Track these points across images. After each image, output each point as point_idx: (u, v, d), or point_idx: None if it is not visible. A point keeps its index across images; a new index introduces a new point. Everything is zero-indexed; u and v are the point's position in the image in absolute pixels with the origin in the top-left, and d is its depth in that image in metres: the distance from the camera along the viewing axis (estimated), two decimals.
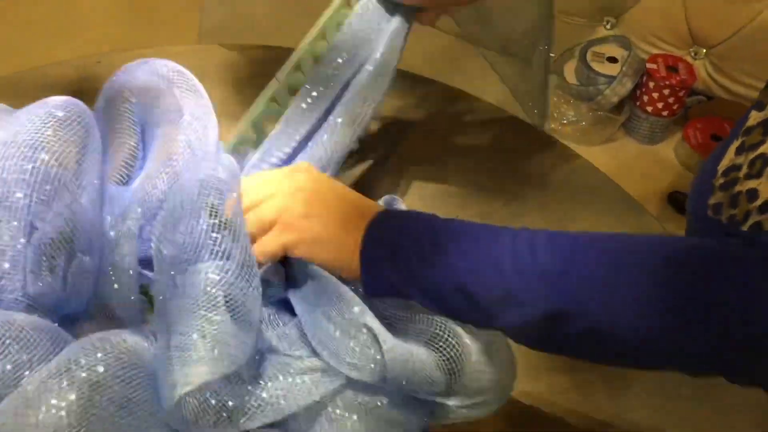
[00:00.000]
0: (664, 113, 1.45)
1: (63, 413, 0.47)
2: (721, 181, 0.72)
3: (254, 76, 0.98)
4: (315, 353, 0.59)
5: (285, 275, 0.64)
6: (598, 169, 0.89)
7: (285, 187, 0.61)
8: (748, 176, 0.69)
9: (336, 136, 0.69)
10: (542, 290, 0.53)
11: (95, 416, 0.48)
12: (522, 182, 0.87)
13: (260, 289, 0.57)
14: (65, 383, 0.48)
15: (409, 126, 0.93)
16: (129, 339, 0.54)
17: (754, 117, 0.69)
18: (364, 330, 0.56)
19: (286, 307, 0.63)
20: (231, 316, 0.54)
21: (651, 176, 1.46)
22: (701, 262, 0.53)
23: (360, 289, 0.59)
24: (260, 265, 0.60)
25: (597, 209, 0.85)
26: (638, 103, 1.47)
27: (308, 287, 0.61)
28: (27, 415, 0.47)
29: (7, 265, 0.55)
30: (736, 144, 0.71)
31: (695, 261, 0.53)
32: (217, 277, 0.54)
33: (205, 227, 0.56)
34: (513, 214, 0.84)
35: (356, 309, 0.57)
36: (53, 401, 0.47)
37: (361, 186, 0.82)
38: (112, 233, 0.61)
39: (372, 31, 0.73)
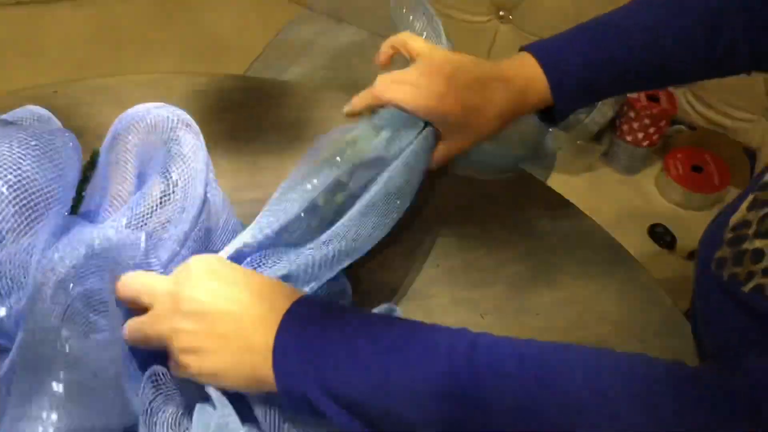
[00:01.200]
0: (644, 143, 1.42)
1: None
2: (730, 235, 0.67)
3: (221, 107, 0.93)
4: None
5: None
6: (585, 215, 0.85)
7: (165, 312, 0.52)
8: (757, 234, 0.65)
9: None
10: (486, 418, 0.47)
11: None
12: (506, 228, 0.83)
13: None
14: None
15: None
16: None
17: None
18: None
19: None
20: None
21: (631, 207, 1.43)
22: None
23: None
24: None
25: (584, 258, 0.80)
26: (618, 133, 1.44)
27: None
28: None
29: None
30: (750, 198, 0.67)
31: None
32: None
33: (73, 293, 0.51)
34: (497, 262, 0.79)
35: None
36: None
37: None
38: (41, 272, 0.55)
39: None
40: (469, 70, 0.74)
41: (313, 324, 0.51)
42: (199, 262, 0.55)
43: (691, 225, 1.38)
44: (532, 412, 0.47)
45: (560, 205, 0.86)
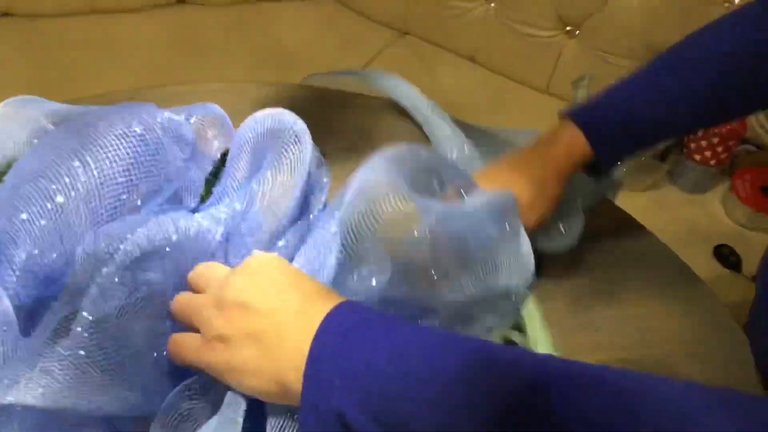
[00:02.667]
0: (712, 162, 1.39)
1: None
2: None
3: None
4: None
5: None
6: (650, 233, 0.84)
7: (212, 296, 0.52)
8: None
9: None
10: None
11: None
12: None
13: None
14: None
15: None
16: None
17: None
18: None
19: None
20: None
21: (696, 227, 1.40)
22: None
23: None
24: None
25: (648, 276, 0.80)
26: (685, 151, 1.41)
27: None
28: None
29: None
30: None
31: None
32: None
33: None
34: (559, 276, 0.78)
35: None
36: None
37: None
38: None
39: None
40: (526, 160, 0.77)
41: (357, 333, 0.47)
42: (259, 258, 0.54)
43: (757, 246, 1.34)
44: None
45: (624, 221, 0.86)
